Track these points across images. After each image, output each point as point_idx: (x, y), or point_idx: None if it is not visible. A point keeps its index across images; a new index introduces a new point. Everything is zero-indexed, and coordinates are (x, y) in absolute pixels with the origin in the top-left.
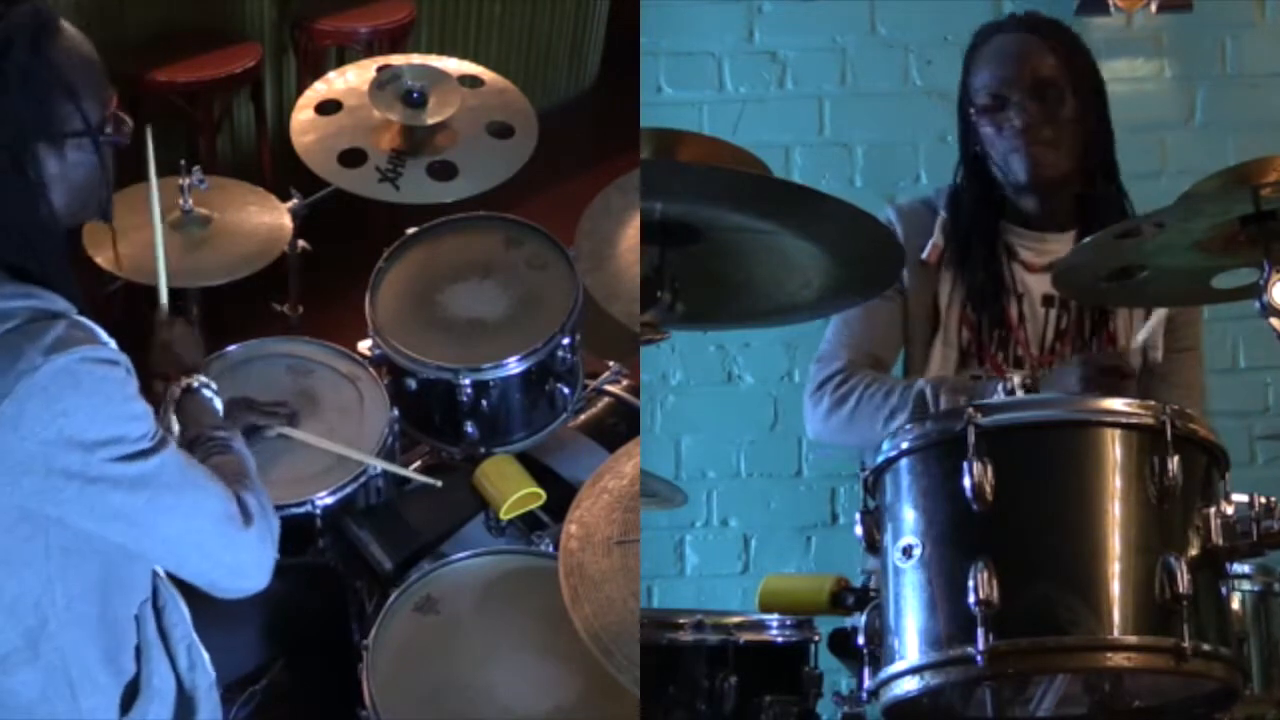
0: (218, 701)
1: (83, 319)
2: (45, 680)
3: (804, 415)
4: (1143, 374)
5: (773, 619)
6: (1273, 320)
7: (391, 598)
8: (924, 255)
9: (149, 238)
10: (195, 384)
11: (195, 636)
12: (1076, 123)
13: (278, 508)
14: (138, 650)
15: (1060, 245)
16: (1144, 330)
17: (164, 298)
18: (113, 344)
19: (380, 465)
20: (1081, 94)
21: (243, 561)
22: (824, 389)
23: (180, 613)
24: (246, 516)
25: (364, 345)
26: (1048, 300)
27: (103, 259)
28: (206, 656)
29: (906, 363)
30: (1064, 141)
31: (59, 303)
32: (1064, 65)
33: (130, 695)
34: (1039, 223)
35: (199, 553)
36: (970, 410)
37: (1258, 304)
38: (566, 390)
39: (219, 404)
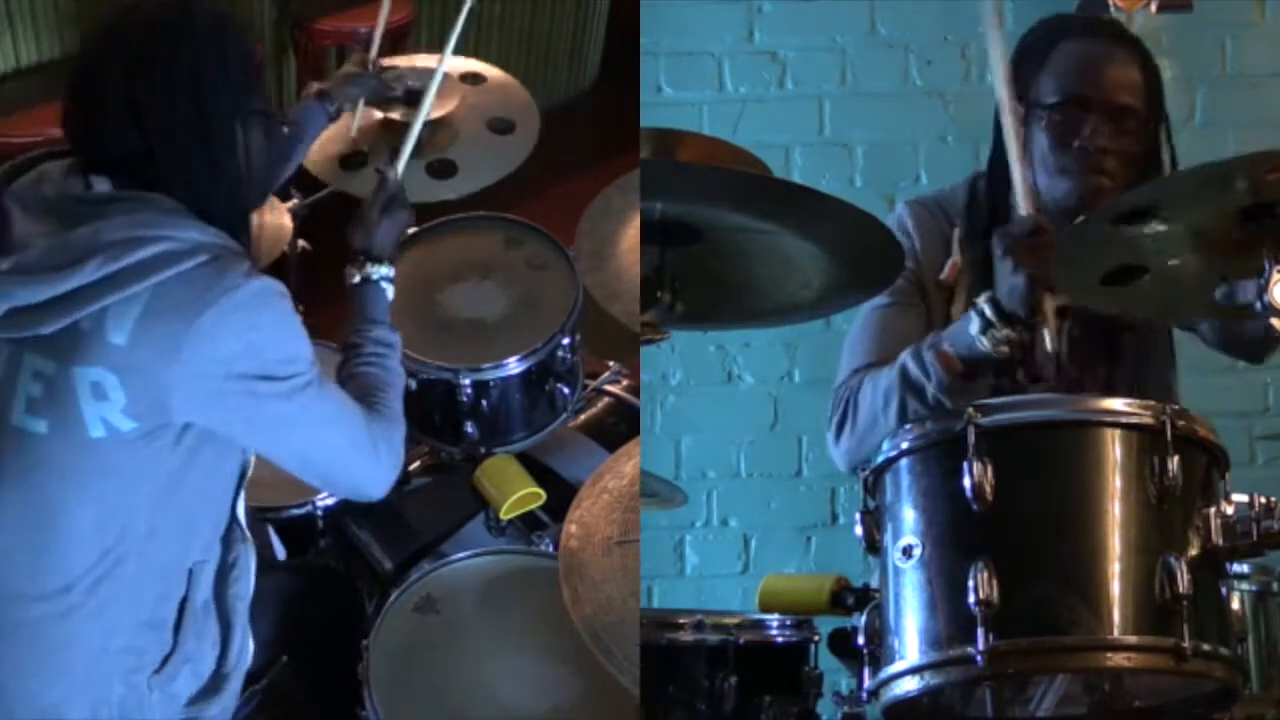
0: (238, 691)
1: None
2: (97, 613)
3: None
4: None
5: (773, 619)
6: (1273, 320)
7: (391, 598)
8: (943, 275)
9: None
10: (388, 274)
11: (248, 620)
12: (1141, 156)
13: (278, 508)
14: (182, 606)
15: None
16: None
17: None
18: None
19: None
20: (1154, 124)
21: (365, 468)
22: (833, 419)
23: (248, 586)
24: (371, 434)
25: None
26: (1060, 312)
27: None
28: (251, 645)
29: None
30: (1122, 176)
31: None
32: (1146, 90)
33: (167, 654)
34: None
35: (335, 459)
36: (970, 410)
37: (1258, 304)
38: (566, 390)
39: (390, 293)
